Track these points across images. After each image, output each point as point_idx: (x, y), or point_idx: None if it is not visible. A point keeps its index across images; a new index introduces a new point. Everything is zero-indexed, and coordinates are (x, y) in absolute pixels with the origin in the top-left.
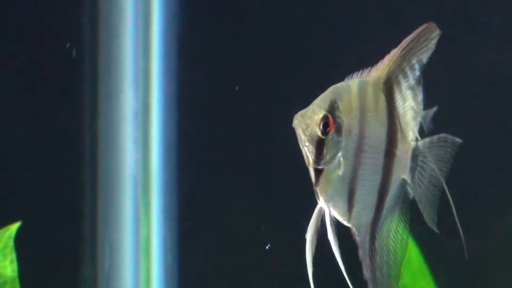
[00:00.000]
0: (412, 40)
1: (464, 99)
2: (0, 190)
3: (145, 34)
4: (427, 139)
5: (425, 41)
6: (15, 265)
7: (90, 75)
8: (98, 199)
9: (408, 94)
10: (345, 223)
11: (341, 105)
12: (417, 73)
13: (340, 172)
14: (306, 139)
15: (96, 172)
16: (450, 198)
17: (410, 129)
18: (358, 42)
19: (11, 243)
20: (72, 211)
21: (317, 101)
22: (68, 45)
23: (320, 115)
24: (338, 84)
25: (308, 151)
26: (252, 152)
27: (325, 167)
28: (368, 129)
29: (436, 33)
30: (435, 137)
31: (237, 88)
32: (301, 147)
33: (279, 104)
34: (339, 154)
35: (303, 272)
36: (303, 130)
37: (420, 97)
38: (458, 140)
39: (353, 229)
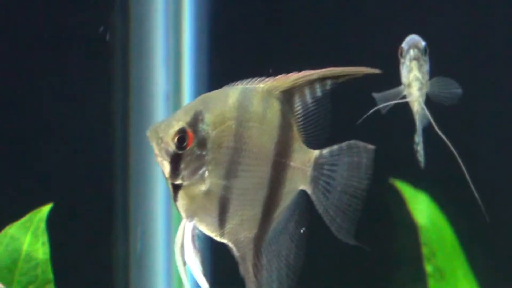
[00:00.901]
0: (343, 72)
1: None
2: (31, 172)
3: (176, 15)
4: (335, 147)
5: (357, 74)
6: (46, 248)
7: (122, 57)
8: (130, 181)
9: (413, 64)
10: (218, 239)
11: (209, 117)
12: (328, 88)
13: (204, 187)
14: (160, 153)
15: (128, 154)
16: (465, 171)
17: (415, 100)
18: (393, 28)
19: (42, 225)
20: (103, 192)
21: (179, 111)
22: (101, 28)
23: (175, 128)
24: (212, 92)
25: (162, 166)
26: None
27: (184, 183)
28: (249, 140)
29: (371, 73)
30: (344, 144)
31: (271, 70)
32: (156, 160)
33: None
34: (203, 169)
35: (336, 256)
36: (156, 144)
37: (426, 67)
38: (371, 146)
39: (230, 245)
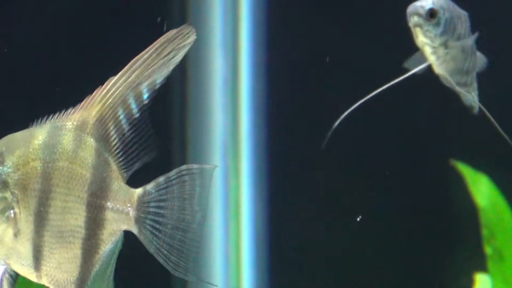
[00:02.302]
0: (144, 60)
1: None
2: None
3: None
4: (161, 178)
5: (168, 55)
6: None
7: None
8: None
9: (417, 31)
10: (36, 280)
11: (11, 158)
12: (145, 98)
13: (13, 230)
14: None
15: (186, 139)
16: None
17: (432, 64)
18: None
19: None
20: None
21: None
22: (159, 19)
23: None
24: (18, 133)
25: None
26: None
27: None
28: (58, 182)
29: (188, 41)
30: (172, 172)
31: (327, 59)
32: None
33: (370, 74)
34: (8, 212)
35: (393, 237)
36: None
37: (435, 31)
38: (209, 167)
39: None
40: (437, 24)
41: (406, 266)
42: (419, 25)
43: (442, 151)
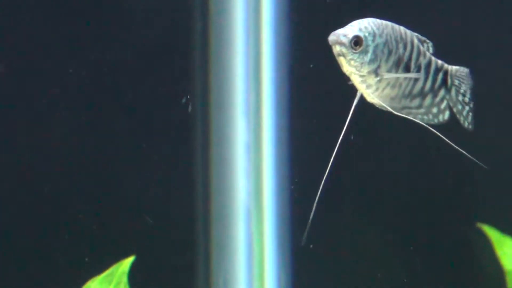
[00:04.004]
0: None
1: None
2: (113, 224)
3: (256, 65)
4: None
5: None
6: None
7: (202, 107)
8: (212, 232)
9: (341, 60)
10: None
11: None
12: None
13: None
14: None
15: (209, 205)
16: None
17: (363, 93)
18: None
19: (124, 279)
20: (185, 244)
21: None
22: (184, 100)
23: None
24: None
25: None
26: (366, 179)
27: None
28: None
29: None
30: None
31: (352, 137)
32: None
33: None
34: None
35: None
36: None
37: (361, 59)
38: None
39: None
40: (364, 52)
41: None
42: (342, 55)
43: (468, 213)
